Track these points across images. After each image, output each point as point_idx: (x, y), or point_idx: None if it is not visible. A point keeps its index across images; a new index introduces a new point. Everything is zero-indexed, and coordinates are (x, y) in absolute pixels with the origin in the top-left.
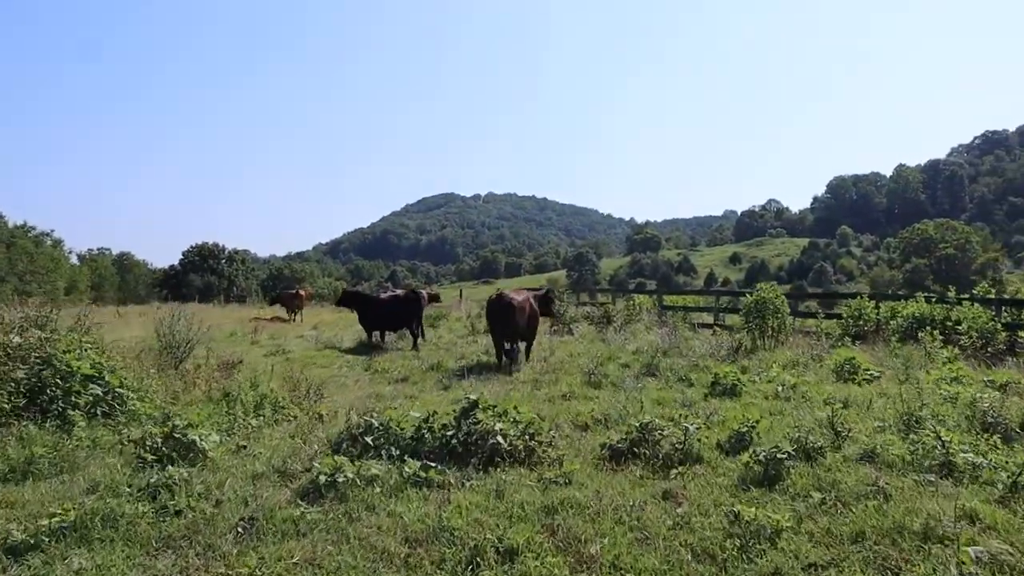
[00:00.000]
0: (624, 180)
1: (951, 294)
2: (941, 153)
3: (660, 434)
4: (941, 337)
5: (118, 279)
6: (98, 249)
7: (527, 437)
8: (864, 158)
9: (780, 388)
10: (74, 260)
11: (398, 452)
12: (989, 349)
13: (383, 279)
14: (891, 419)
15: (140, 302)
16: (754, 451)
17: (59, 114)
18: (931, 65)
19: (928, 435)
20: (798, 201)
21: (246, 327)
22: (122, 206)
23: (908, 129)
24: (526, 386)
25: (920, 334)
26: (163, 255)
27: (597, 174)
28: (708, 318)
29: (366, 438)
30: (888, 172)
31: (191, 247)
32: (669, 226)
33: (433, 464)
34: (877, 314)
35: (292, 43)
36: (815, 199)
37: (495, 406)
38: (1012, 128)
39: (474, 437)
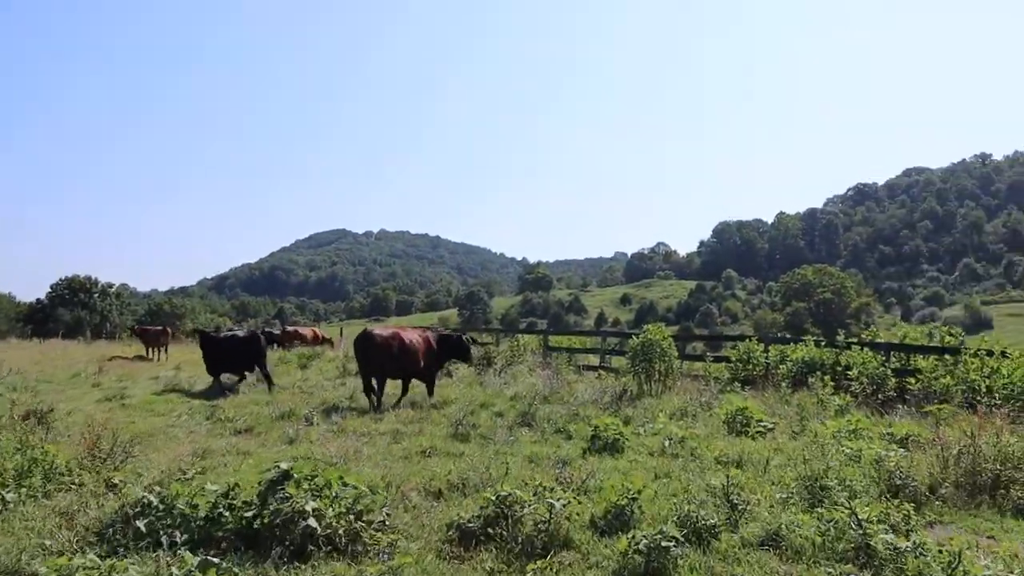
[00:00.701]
0: (517, 220)
1: (840, 338)
2: (818, 202)
3: (521, 509)
4: (832, 383)
5: None
6: None
7: (352, 517)
8: (747, 204)
9: (667, 442)
10: None
11: (185, 537)
12: (880, 396)
13: (270, 316)
14: (792, 485)
15: (15, 336)
16: (634, 536)
17: None
18: (808, 114)
19: (840, 511)
20: (686, 244)
21: (98, 367)
22: None
23: (788, 177)
24: (384, 439)
25: (811, 379)
26: (32, 289)
27: (490, 214)
28: (595, 359)
29: (138, 522)
30: (770, 219)
31: (60, 280)
32: (561, 267)
33: (218, 560)
34: (766, 358)
35: (185, 73)
36: (701, 243)
37: (314, 476)
38: (881, 181)
39: (281, 519)
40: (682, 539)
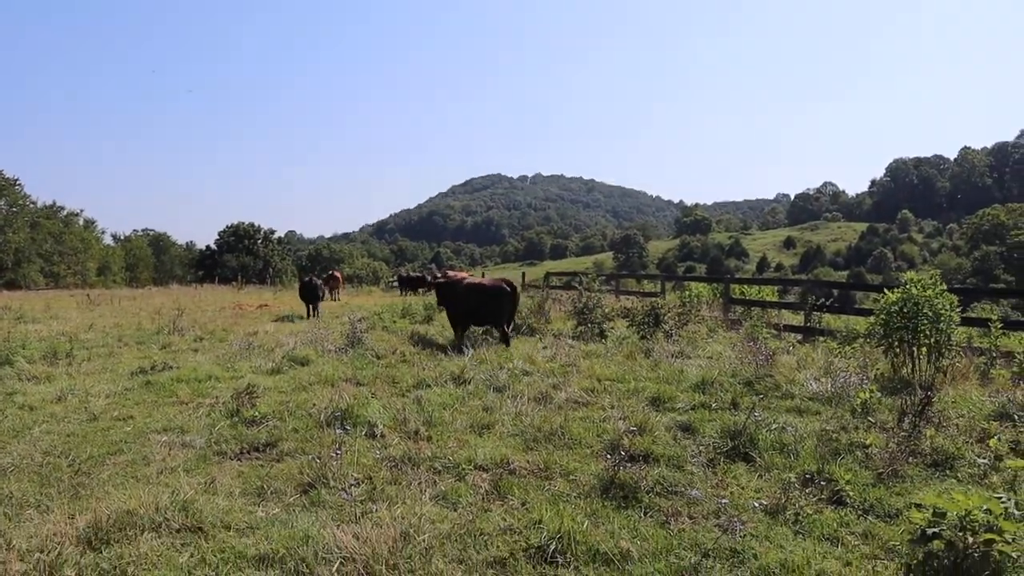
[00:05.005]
0: (673, 162)
1: None
2: (1009, 135)
3: None
4: None
5: (153, 260)
6: (143, 230)
7: None
8: (926, 140)
9: None
10: (108, 241)
11: None
12: None
13: (427, 260)
14: None
15: (178, 282)
16: None
17: (108, 98)
18: (999, 40)
19: None
20: (855, 184)
21: (205, 317)
22: (182, 192)
23: (974, 110)
24: (478, 486)
25: None
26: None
27: (646, 156)
28: (792, 316)
29: None
30: (952, 155)
31: (227, 227)
32: (720, 209)
33: None
34: None
35: (340, 31)
36: (873, 182)
37: None
38: None
39: None
40: None
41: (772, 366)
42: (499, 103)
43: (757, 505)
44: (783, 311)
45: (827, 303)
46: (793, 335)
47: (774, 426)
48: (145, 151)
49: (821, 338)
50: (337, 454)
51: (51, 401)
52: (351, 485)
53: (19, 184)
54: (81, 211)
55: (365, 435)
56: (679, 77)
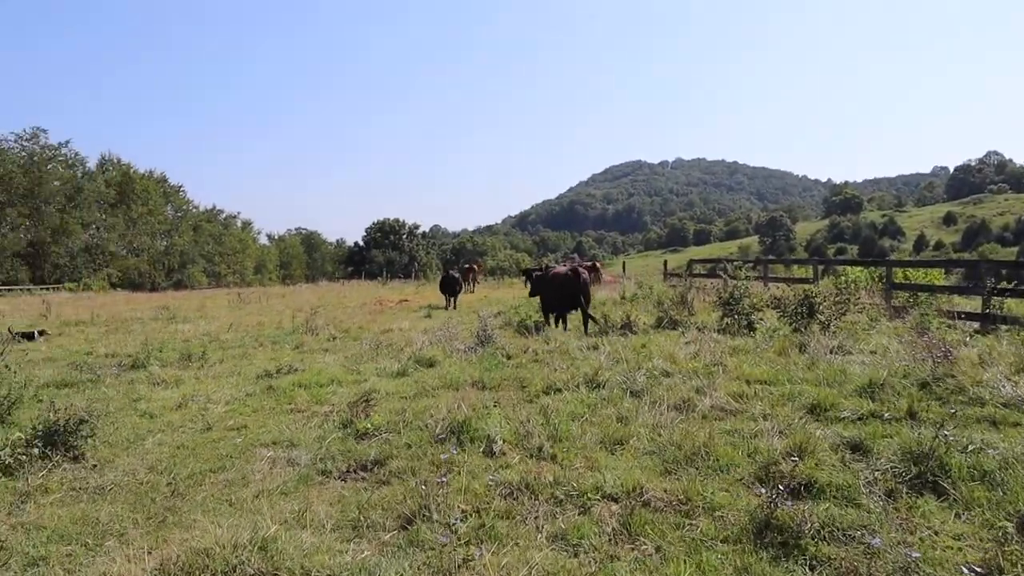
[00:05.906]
0: (820, 138)
1: None
2: None
3: None
4: None
5: (305, 257)
6: (296, 229)
7: None
8: None
9: None
10: (264, 241)
11: None
12: None
13: (569, 250)
14: None
15: (327, 278)
16: None
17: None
18: None
19: None
20: None
21: (344, 314)
22: (334, 191)
23: None
24: (605, 521)
25: None
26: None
27: (790, 133)
28: (965, 302)
29: None
30: None
31: (373, 223)
32: (871, 186)
33: None
34: None
35: (480, 25)
36: None
37: None
38: None
39: None
40: None
41: (952, 363)
42: (638, 89)
43: (964, 567)
44: (953, 296)
45: (1010, 286)
46: (968, 324)
47: (969, 447)
48: (299, 153)
49: (1004, 327)
50: (442, 480)
51: (171, 408)
52: (456, 520)
53: (183, 190)
54: (238, 213)
55: (482, 452)
56: (826, 46)
